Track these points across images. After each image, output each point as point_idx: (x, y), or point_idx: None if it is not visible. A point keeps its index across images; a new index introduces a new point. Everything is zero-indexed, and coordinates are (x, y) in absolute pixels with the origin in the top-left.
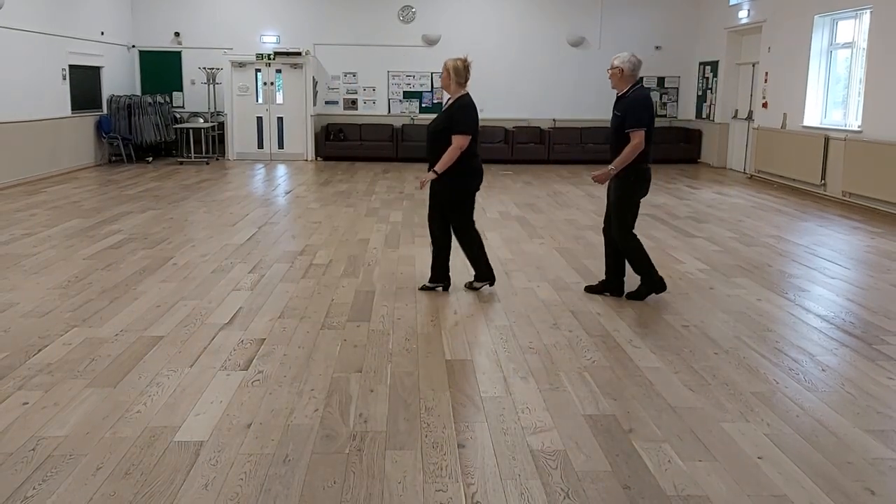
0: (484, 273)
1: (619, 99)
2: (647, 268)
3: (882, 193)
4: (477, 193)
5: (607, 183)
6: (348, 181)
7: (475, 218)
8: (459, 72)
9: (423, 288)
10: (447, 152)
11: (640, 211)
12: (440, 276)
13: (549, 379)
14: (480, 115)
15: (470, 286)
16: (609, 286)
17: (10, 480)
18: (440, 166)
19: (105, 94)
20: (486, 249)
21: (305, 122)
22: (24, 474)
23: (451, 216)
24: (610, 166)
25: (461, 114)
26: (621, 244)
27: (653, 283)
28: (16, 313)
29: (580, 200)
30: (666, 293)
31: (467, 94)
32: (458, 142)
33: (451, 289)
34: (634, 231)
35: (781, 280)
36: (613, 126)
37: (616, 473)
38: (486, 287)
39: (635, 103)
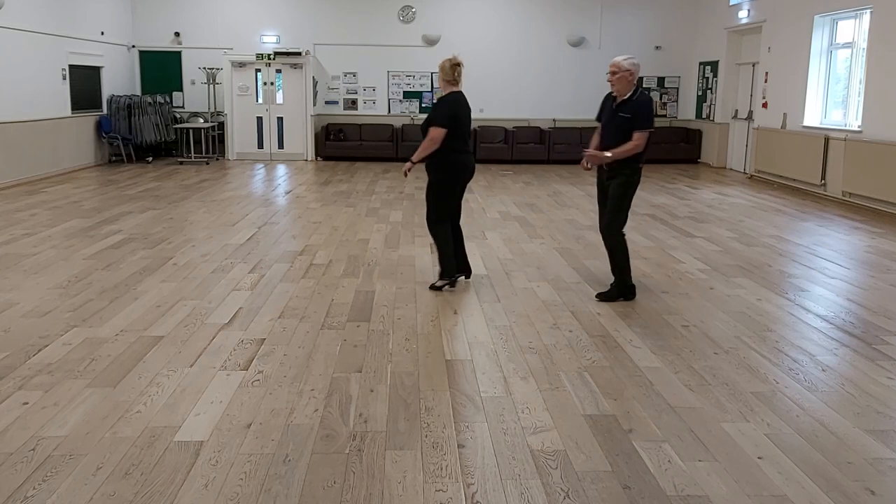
0: (445, 270)
1: (624, 101)
2: (626, 269)
3: (882, 193)
4: (477, 193)
5: (603, 184)
6: (348, 181)
7: (474, 219)
8: (445, 70)
9: (433, 287)
10: (422, 143)
11: (641, 211)
12: (449, 268)
13: (549, 379)
14: (480, 115)
15: (433, 286)
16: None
17: (10, 480)
18: (415, 155)
19: (105, 94)
20: (487, 249)
21: (305, 122)
22: (24, 474)
23: (428, 205)
24: (608, 153)
25: (436, 108)
26: (611, 239)
27: (626, 287)
28: (16, 313)
29: (580, 200)
30: (666, 293)
31: (454, 91)
32: (431, 133)
33: (451, 289)
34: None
35: (781, 280)
36: (617, 127)
37: (616, 473)
38: (462, 280)
39: (646, 107)
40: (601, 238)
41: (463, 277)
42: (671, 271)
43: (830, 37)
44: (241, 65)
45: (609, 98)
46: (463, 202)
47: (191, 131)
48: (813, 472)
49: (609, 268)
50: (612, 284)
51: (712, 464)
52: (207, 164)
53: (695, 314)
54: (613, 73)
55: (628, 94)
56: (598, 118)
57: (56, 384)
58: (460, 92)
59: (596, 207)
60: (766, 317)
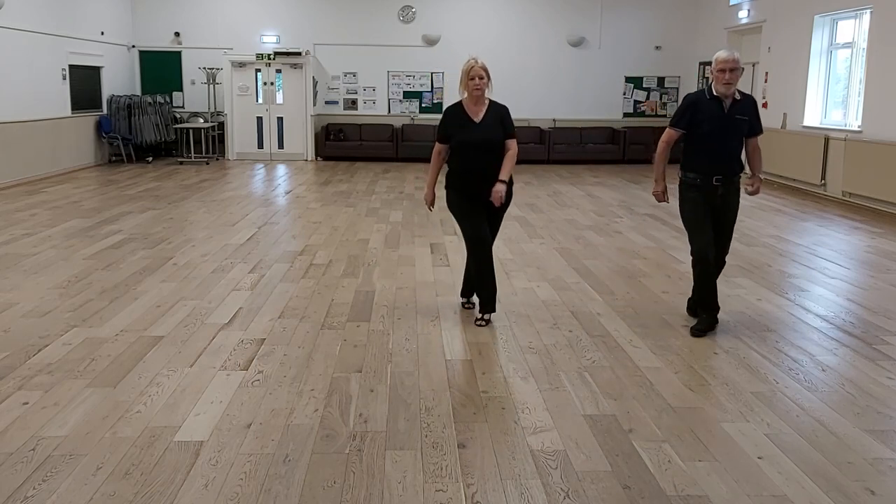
0: (464, 289)
1: (735, 102)
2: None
3: (882, 193)
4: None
5: (720, 199)
6: (348, 181)
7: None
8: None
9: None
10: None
11: (641, 211)
12: (465, 289)
13: (549, 379)
14: None
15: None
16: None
17: (10, 480)
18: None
19: (105, 94)
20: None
21: (305, 122)
22: (24, 474)
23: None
24: (759, 175)
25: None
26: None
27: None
28: (16, 313)
29: (580, 200)
30: (666, 293)
31: (460, 101)
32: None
33: (449, 289)
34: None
35: (781, 280)
36: (739, 130)
37: (616, 473)
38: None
39: (757, 108)
40: (712, 268)
41: (466, 300)
42: (671, 271)
43: (830, 37)
44: (241, 65)
45: (710, 102)
46: None
47: (191, 131)
48: (813, 472)
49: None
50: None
51: (712, 464)
52: (207, 164)
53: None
54: (733, 70)
55: (737, 93)
56: (684, 126)
57: (56, 384)
58: (460, 101)
59: (596, 208)
60: (766, 317)
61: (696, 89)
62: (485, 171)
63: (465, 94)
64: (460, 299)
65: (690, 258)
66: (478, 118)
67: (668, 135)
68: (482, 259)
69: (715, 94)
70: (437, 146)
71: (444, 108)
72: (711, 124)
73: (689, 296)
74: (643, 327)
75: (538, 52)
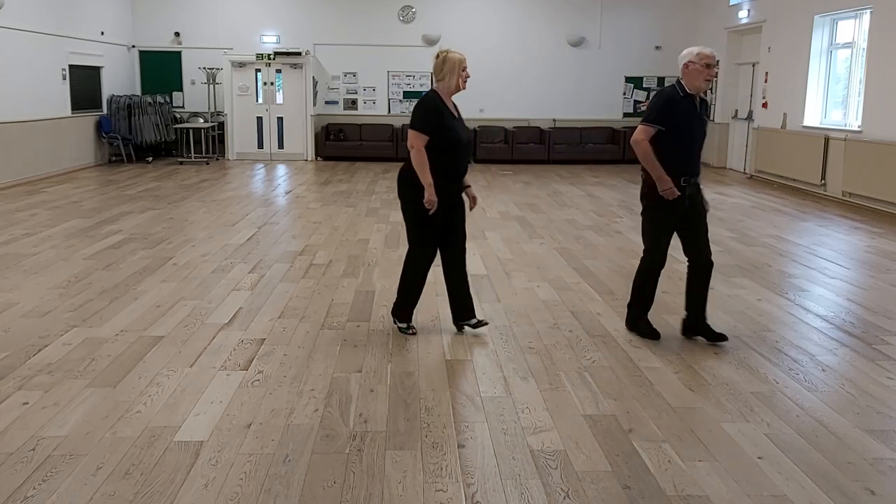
0: (397, 311)
1: (702, 101)
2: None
3: (882, 193)
4: (477, 193)
5: (688, 202)
6: (348, 181)
7: (474, 219)
8: (436, 67)
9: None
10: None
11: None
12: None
13: (549, 379)
14: (480, 115)
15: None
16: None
17: (10, 480)
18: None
19: (105, 94)
20: (487, 249)
21: (305, 122)
22: (24, 474)
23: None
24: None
25: (416, 108)
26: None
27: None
28: (16, 313)
29: (580, 200)
30: (666, 293)
31: (434, 91)
32: (409, 139)
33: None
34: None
35: (781, 280)
36: (704, 130)
37: (616, 473)
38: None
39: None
40: (699, 270)
41: (470, 326)
42: (671, 271)
43: (830, 37)
44: (241, 65)
45: (684, 100)
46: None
47: (191, 131)
48: (813, 472)
49: (701, 306)
50: (699, 319)
51: (712, 464)
52: (207, 164)
53: None
54: (714, 67)
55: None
56: (666, 123)
57: (56, 384)
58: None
59: (596, 208)
60: (766, 317)
61: None
62: (463, 175)
63: (446, 85)
64: (404, 326)
65: (640, 263)
66: (457, 114)
67: (646, 132)
68: (423, 274)
69: (689, 90)
70: (423, 138)
71: (424, 96)
72: (688, 123)
73: (683, 311)
74: None
75: (538, 52)
